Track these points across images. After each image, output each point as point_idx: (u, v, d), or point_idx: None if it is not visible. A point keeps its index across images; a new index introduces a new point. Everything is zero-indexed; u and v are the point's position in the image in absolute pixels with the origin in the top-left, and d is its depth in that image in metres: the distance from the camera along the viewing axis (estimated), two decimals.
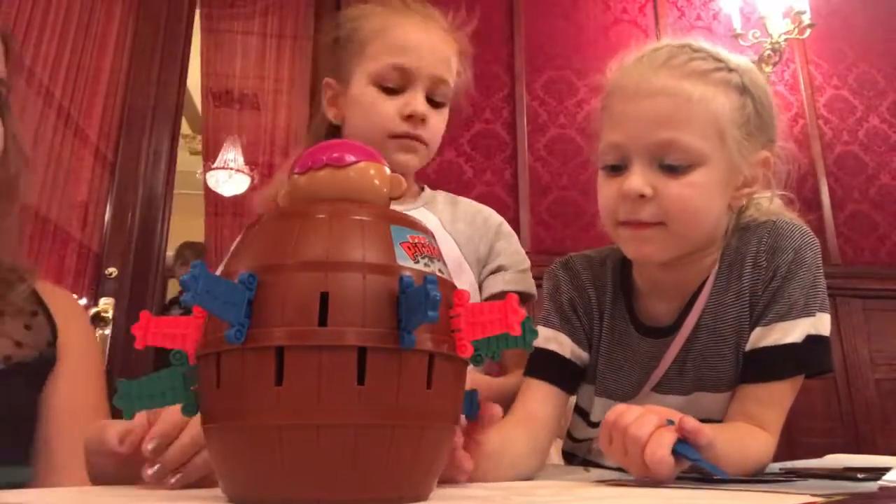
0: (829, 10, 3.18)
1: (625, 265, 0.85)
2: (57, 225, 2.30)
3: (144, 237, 2.54)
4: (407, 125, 0.92)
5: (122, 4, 2.71)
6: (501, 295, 0.92)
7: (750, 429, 0.72)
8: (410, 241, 0.41)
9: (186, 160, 4.36)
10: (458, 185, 2.73)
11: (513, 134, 2.89)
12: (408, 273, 0.39)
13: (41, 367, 0.73)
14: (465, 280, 0.96)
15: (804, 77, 3.18)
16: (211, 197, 2.92)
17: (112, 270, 2.38)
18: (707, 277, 0.78)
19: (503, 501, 0.43)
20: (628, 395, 0.81)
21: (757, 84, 0.76)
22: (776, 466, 0.75)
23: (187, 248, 3.65)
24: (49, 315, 0.77)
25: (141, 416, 0.54)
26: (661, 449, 0.55)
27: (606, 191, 0.77)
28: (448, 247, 0.96)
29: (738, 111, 0.74)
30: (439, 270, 0.42)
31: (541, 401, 0.80)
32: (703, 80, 0.73)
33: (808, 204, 2.98)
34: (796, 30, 2.85)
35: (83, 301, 2.32)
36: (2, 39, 0.72)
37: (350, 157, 0.45)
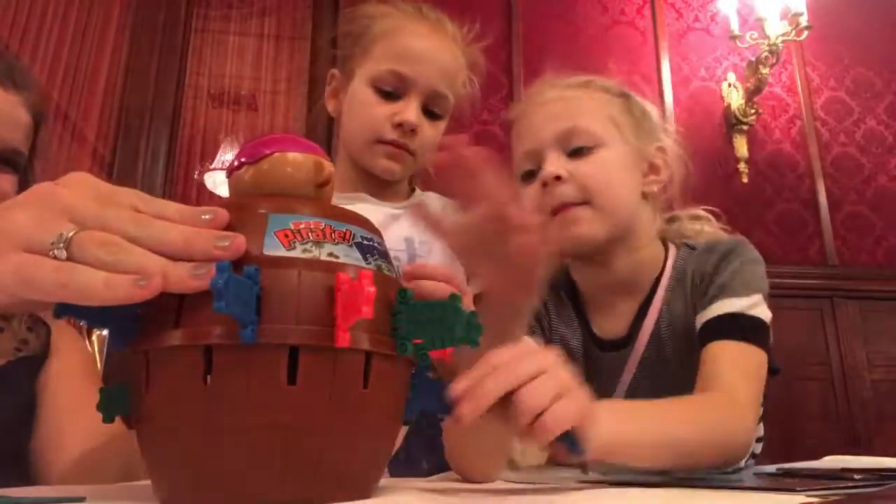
0: (827, 12, 3.19)
1: (574, 285, 0.87)
2: None
3: None
4: (396, 133, 0.90)
5: (120, 6, 2.71)
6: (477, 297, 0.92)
7: (704, 398, 0.68)
8: (292, 227, 0.39)
9: None
10: None
11: (510, 135, 2.89)
12: (227, 263, 0.35)
13: (41, 359, 0.81)
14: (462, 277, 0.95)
15: (801, 79, 3.19)
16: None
17: None
18: (655, 288, 0.82)
19: (503, 501, 0.43)
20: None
21: (631, 93, 0.87)
22: (773, 468, 0.75)
23: None
24: (41, 319, 0.85)
25: None
26: (557, 428, 0.47)
27: (527, 198, 0.82)
28: (439, 246, 0.95)
29: (623, 106, 0.84)
30: (329, 254, 0.39)
31: None
32: (586, 87, 0.86)
33: (805, 205, 2.99)
34: (793, 32, 2.86)
35: None
36: (34, 122, 0.80)
37: (264, 151, 0.43)
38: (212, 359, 0.36)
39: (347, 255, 0.40)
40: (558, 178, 0.79)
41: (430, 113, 0.94)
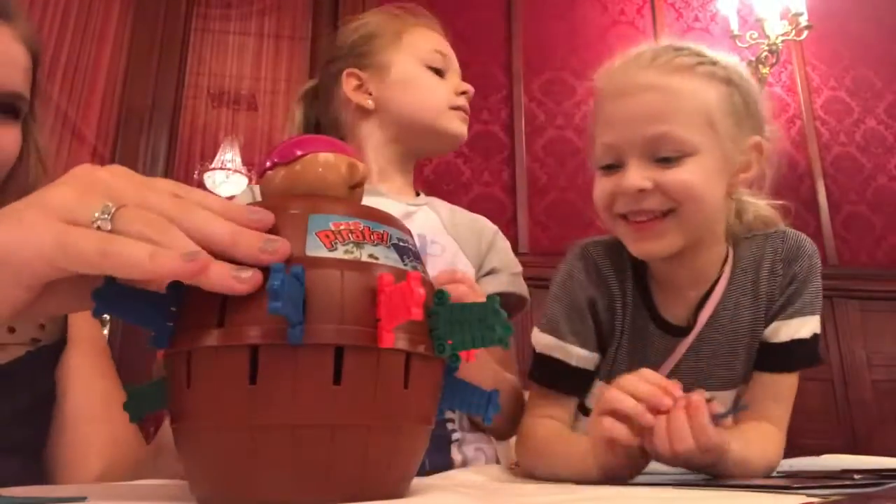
0: (827, 12, 3.19)
1: (643, 265, 0.84)
2: None
3: None
4: (462, 99, 1.05)
5: (120, 4, 2.71)
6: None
7: (765, 429, 0.75)
8: (333, 228, 0.39)
9: None
10: (456, 186, 2.73)
11: (511, 135, 2.90)
12: (282, 264, 0.35)
13: (58, 348, 0.77)
14: None
15: (801, 78, 3.19)
16: None
17: None
18: (718, 277, 0.80)
19: (503, 502, 0.43)
20: None
21: (741, 76, 0.78)
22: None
23: None
24: None
25: None
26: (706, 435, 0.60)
27: (601, 186, 0.78)
28: (453, 248, 0.98)
29: (726, 100, 0.75)
30: (370, 255, 0.40)
31: (555, 407, 0.80)
32: (688, 74, 0.75)
33: (805, 205, 2.99)
34: (793, 31, 2.86)
35: None
36: (31, 55, 0.72)
37: (297, 151, 0.43)
38: (257, 359, 0.36)
39: (386, 257, 0.40)
40: (641, 190, 0.73)
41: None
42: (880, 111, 3.23)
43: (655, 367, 0.80)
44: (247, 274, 0.35)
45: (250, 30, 2.99)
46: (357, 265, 0.39)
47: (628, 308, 0.82)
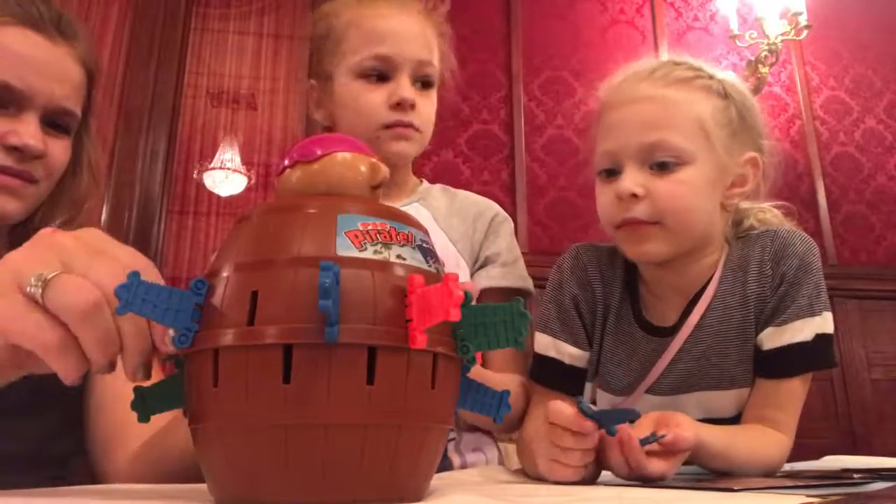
0: (826, 11, 3.19)
1: (633, 267, 0.86)
2: None
3: (141, 237, 2.53)
4: (396, 113, 0.89)
5: (119, 4, 2.70)
6: (486, 292, 0.91)
7: (763, 430, 0.75)
8: (361, 228, 0.40)
9: None
10: (455, 186, 2.72)
11: (510, 134, 2.90)
12: (331, 262, 0.36)
13: None
14: (462, 277, 0.93)
15: (801, 78, 3.19)
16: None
17: None
18: (709, 279, 0.81)
19: (494, 501, 0.43)
20: (627, 390, 0.84)
21: (738, 90, 0.81)
22: None
23: None
24: None
25: None
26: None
27: (603, 197, 0.80)
28: (441, 242, 0.94)
29: (721, 113, 0.78)
30: (398, 256, 0.40)
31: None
32: (685, 87, 0.78)
33: (804, 205, 2.99)
34: (793, 31, 2.86)
35: None
36: (87, 74, 0.74)
37: (318, 151, 0.43)
38: (291, 357, 0.36)
39: (413, 258, 0.41)
40: (634, 195, 0.76)
41: (421, 84, 0.92)
42: (879, 111, 3.23)
43: (645, 369, 0.82)
44: (140, 375, 0.40)
45: (249, 29, 2.98)
46: (386, 265, 0.39)
47: (612, 311, 0.85)
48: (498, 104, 2.92)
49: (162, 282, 0.40)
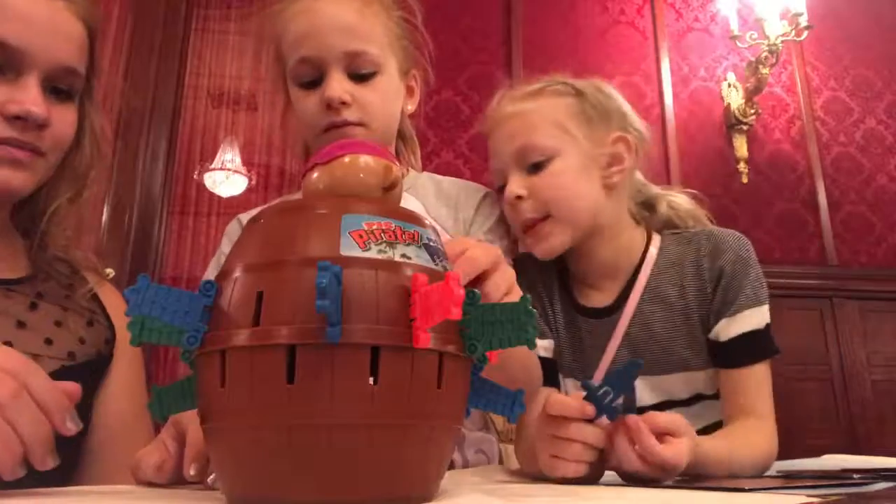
0: (826, 12, 3.19)
1: (562, 256, 0.92)
2: None
3: (142, 237, 2.54)
4: (330, 115, 0.83)
5: (120, 5, 2.71)
6: None
7: (755, 427, 0.78)
8: (365, 228, 0.40)
9: None
10: None
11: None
12: (329, 263, 0.36)
13: (99, 366, 0.73)
14: None
15: (801, 79, 3.20)
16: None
17: (109, 271, 2.37)
18: (639, 265, 0.89)
19: (503, 502, 0.43)
20: (588, 373, 0.88)
21: (590, 86, 0.91)
22: (773, 468, 0.76)
23: None
24: (107, 315, 0.77)
25: (165, 443, 0.59)
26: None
27: (506, 211, 0.91)
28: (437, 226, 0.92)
29: (574, 107, 0.88)
30: (402, 255, 0.40)
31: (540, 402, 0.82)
32: (538, 97, 0.90)
33: (805, 205, 2.99)
34: (793, 32, 2.86)
35: None
36: (87, 31, 0.70)
37: (334, 153, 0.45)
38: (294, 358, 0.36)
39: (418, 257, 0.41)
40: (519, 197, 0.85)
41: (357, 76, 0.85)
42: (880, 111, 3.23)
43: (597, 354, 0.89)
44: (50, 462, 0.46)
45: (250, 30, 2.99)
46: (390, 265, 0.39)
47: (556, 305, 0.92)
48: None
49: (44, 376, 0.47)
